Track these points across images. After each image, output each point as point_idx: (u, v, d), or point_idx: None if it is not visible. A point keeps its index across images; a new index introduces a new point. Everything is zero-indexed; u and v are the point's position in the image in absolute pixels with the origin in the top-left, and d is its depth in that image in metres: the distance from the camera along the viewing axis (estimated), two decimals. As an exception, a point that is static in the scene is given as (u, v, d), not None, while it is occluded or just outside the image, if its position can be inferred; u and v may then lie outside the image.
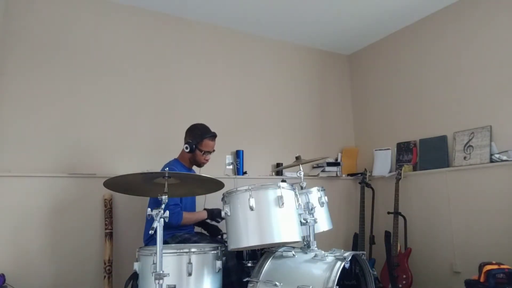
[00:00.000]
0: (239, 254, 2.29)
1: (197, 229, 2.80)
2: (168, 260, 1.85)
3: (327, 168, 4.00)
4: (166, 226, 2.43)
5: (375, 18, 3.76)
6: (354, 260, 2.06)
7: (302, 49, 4.31)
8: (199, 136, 2.61)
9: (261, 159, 3.79)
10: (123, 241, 2.97)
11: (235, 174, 3.56)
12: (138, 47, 3.36)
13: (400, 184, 3.59)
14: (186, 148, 2.59)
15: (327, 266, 1.86)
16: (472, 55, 3.32)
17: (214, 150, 2.71)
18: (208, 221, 2.67)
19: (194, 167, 2.78)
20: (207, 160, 2.69)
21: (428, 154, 3.57)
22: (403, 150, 3.81)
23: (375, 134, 4.20)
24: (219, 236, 2.67)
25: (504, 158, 2.98)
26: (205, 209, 2.62)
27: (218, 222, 2.63)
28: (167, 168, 1.84)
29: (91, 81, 3.11)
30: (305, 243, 2.11)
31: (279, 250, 2.12)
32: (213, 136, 2.66)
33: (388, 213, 3.59)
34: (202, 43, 3.68)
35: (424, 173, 3.56)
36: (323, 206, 2.40)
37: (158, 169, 2.47)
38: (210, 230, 2.73)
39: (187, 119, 2.92)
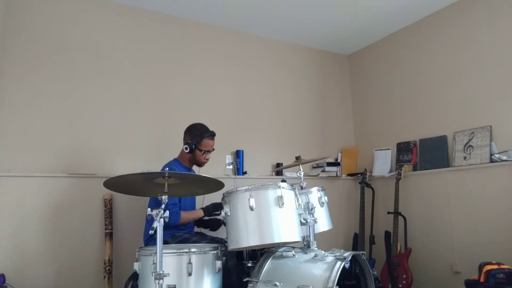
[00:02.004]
0: (239, 254, 2.29)
1: (197, 229, 2.80)
2: (168, 260, 1.85)
3: (327, 168, 4.00)
4: (165, 226, 2.43)
5: (375, 18, 3.76)
6: (354, 260, 2.06)
7: (302, 49, 4.31)
8: (198, 136, 2.61)
9: (261, 159, 3.79)
10: (123, 241, 2.97)
11: (235, 174, 3.56)
12: (138, 47, 3.36)
13: (400, 184, 3.59)
14: (186, 148, 2.60)
15: (327, 266, 1.86)
16: (472, 55, 3.32)
17: (213, 149, 2.71)
18: (206, 218, 2.67)
19: (194, 167, 2.78)
20: (207, 160, 2.69)
21: (428, 154, 3.57)
22: (403, 150, 3.81)
23: (375, 134, 4.20)
24: (222, 225, 2.66)
25: (504, 158, 2.98)
26: (201, 208, 2.62)
27: (218, 215, 2.62)
28: (167, 168, 1.84)
29: (91, 81, 3.11)
30: (305, 243, 2.11)
31: (279, 250, 2.12)
32: (212, 135, 2.66)
33: (388, 213, 3.59)
34: (202, 43, 3.68)
35: (424, 173, 3.56)
36: (323, 206, 2.40)
37: (158, 169, 2.47)
38: (211, 225, 2.73)
39: (187, 119, 2.92)
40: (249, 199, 1.91)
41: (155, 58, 3.42)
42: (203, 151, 2.63)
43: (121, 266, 2.89)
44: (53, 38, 3.01)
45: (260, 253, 2.22)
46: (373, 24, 3.89)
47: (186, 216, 2.49)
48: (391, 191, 3.69)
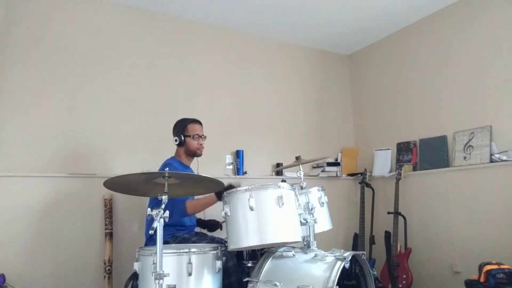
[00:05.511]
0: (239, 254, 2.29)
1: (197, 229, 2.81)
2: (168, 260, 1.84)
3: (327, 168, 4.00)
4: (176, 222, 2.38)
5: (375, 18, 3.76)
6: (354, 260, 2.06)
7: (302, 49, 4.31)
8: (182, 125, 2.66)
9: (261, 159, 3.79)
10: (123, 241, 2.97)
11: (235, 174, 3.56)
12: (138, 46, 3.36)
13: (400, 184, 3.59)
14: (176, 141, 2.62)
15: (327, 266, 1.86)
16: (472, 55, 3.32)
17: (205, 136, 2.71)
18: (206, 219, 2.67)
19: (194, 167, 2.78)
20: (201, 145, 2.68)
21: (428, 154, 3.57)
22: (403, 150, 3.81)
23: (375, 134, 4.20)
24: (219, 229, 2.66)
25: (504, 158, 2.98)
26: (215, 193, 2.33)
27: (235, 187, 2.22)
28: (167, 168, 1.84)
29: (91, 80, 3.11)
30: (305, 243, 2.11)
31: (279, 250, 2.12)
32: (195, 120, 2.69)
33: (388, 213, 3.59)
34: (202, 42, 3.68)
35: (424, 173, 3.56)
36: (323, 206, 2.39)
37: (158, 169, 2.47)
38: (209, 225, 2.74)
39: (187, 118, 2.92)
40: (249, 199, 1.91)
41: (155, 58, 3.42)
42: (192, 136, 2.63)
43: (121, 266, 2.88)
44: (52, 38, 3.01)
45: (260, 253, 2.22)
46: (373, 24, 3.89)
47: (194, 203, 2.36)
48: (391, 191, 3.69)
